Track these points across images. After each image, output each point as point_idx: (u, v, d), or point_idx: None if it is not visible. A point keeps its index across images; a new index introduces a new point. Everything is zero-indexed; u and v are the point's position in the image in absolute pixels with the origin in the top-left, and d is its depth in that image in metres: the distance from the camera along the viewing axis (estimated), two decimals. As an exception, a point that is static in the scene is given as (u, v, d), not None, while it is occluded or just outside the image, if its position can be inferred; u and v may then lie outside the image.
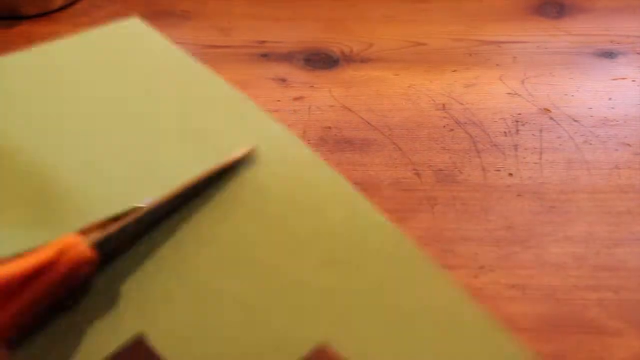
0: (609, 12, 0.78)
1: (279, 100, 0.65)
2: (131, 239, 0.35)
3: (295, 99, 0.65)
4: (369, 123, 0.62)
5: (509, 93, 0.65)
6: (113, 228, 0.34)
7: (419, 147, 0.59)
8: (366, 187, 0.54)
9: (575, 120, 0.61)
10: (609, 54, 0.71)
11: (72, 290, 0.33)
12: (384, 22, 0.78)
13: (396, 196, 0.53)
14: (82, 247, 0.32)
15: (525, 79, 0.67)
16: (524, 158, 0.57)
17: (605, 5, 0.79)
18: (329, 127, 0.61)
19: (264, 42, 0.75)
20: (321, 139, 0.60)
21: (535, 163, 0.56)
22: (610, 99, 0.64)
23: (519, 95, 0.65)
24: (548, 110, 0.63)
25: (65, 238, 0.32)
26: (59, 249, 0.32)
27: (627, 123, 0.61)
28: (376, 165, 0.57)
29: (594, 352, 0.41)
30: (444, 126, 0.61)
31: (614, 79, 0.67)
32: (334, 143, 0.59)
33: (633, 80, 0.67)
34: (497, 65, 0.70)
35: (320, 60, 0.72)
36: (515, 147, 0.58)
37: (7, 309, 0.31)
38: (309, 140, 0.60)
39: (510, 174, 0.55)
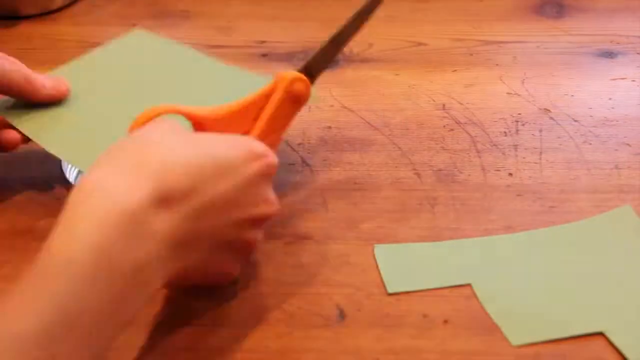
0: (609, 12, 0.78)
1: (279, 100, 0.65)
2: (328, 58, 0.50)
3: (295, 99, 0.65)
4: (369, 123, 0.62)
5: (509, 93, 0.65)
6: (312, 54, 0.49)
7: (419, 147, 0.59)
8: (366, 187, 0.54)
9: (575, 120, 0.61)
10: (609, 54, 0.71)
11: (297, 105, 0.48)
12: (384, 22, 0.78)
13: (396, 196, 0.53)
14: (291, 72, 0.47)
15: (525, 79, 0.67)
16: (524, 158, 0.57)
17: (605, 5, 0.79)
18: (329, 127, 0.61)
19: (264, 42, 0.75)
20: (321, 139, 0.60)
21: (535, 163, 0.56)
22: (610, 99, 0.64)
23: (519, 95, 0.65)
24: (548, 110, 0.63)
25: (278, 73, 0.48)
26: (276, 79, 0.47)
27: (627, 123, 0.61)
28: (376, 165, 0.57)
29: (594, 352, 0.41)
30: (444, 126, 0.61)
31: (614, 79, 0.67)
32: (334, 143, 0.59)
33: (633, 80, 0.67)
34: (497, 65, 0.70)
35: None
36: (515, 147, 0.58)
37: (258, 129, 0.46)
38: (309, 139, 0.60)
39: (510, 174, 0.55)
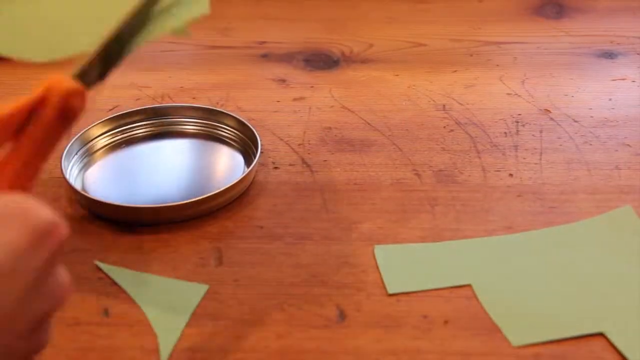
0: (609, 12, 0.78)
1: (279, 101, 0.65)
2: (107, 63, 0.37)
3: (295, 99, 0.65)
4: (369, 123, 0.62)
5: (509, 93, 0.65)
6: (85, 59, 0.36)
7: (419, 147, 0.59)
8: (366, 187, 0.54)
9: (576, 121, 0.61)
10: (609, 54, 0.71)
11: (70, 122, 0.35)
12: (384, 22, 0.78)
13: (396, 196, 0.53)
14: (66, 80, 0.34)
15: (525, 80, 0.67)
16: (524, 158, 0.57)
17: (605, 5, 0.79)
18: (329, 127, 0.61)
19: (264, 42, 0.75)
20: (321, 139, 0.60)
21: (536, 163, 0.56)
22: (610, 99, 0.64)
23: (519, 95, 0.65)
24: (548, 110, 0.63)
25: (49, 77, 0.34)
26: (46, 87, 0.34)
27: (627, 123, 0.61)
28: (376, 165, 0.57)
29: (594, 352, 0.41)
30: (444, 127, 0.61)
31: (614, 79, 0.67)
32: (334, 143, 0.59)
33: (633, 81, 0.67)
34: (497, 65, 0.70)
35: (320, 60, 0.72)
36: (516, 147, 0.58)
37: (18, 152, 0.33)
38: (309, 140, 0.60)
39: (511, 175, 0.55)
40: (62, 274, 0.31)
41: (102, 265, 0.48)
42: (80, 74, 0.36)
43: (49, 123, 0.34)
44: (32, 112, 0.34)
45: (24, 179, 0.34)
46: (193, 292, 0.46)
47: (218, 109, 0.60)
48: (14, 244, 0.28)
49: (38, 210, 0.29)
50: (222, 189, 0.51)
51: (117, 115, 0.60)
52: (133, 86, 0.67)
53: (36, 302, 0.29)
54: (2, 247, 0.27)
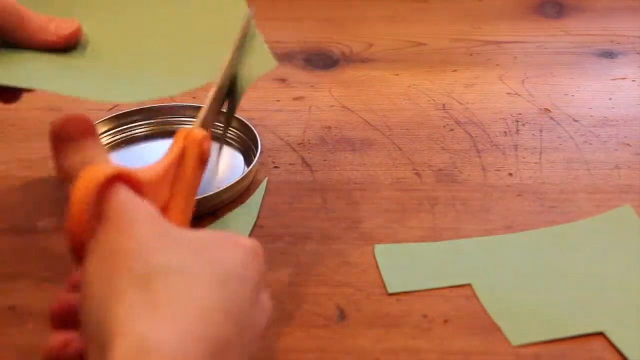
0: (609, 12, 0.78)
1: (279, 100, 0.65)
2: (218, 108, 0.45)
3: (296, 98, 0.65)
4: (369, 123, 0.62)
5: (509, 93, 0.65)
6: (205, 108, 0.43)
7: (419, 147, 0.59)
8: (366, 187, 0.54)
9: (576, 120, 0.61)
10: (609, 54, 0.71)
11: (205, 164, 0.41)
12: (383, 22, 0.78)
13: (396, 196, 0.53)
14: (196, 129, 0.41)
15: (525, 79, 0.67)
16: (524, 158, 0.57)
17: (605, 5, 0.79)
18: (329, 127, 0.61)
19: (264, 42, 0.75)
20: (321, 139, 0.60)
21: (536, 163, 0.56)
22: (610, 99, 0.64)
23: (519, 95, 0.65)
24: (548, 110, 0.63)
25: (182, 132, 0.40)
26: (183, 139, 0.40)
27: (627, 123, 0.61)
28: (376, 165, 0.57)
29: (594, 352, 0.41)
30: (444, 126, 0.61)
31: (614, 79, 0.67)
32: (334, 143, 0.59)
33: (633, 80, 0.67)
34: (498, 65, 0.70)
35: (320, 60, 0.72)
36: (516, 147, 0.58)
37: (178, 197, 0.39)
38: (309, 140, 0.60)
39: (511, 174, 0.55)
40: (266, 293, 0.36)
41: None
42: (202, 123, 0.42)
43: (194, 169, 0.40)
44: (179, 160, 0.40)
45: (185, 219, 0.40)
46: None
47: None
48: (238, 257, 0.34)
49: (244, 238, 0.35)
50: (222, 188, 0.52)
51: (116, 115, 0.60)
52: (133, 86, 0.67)
53: (259, 311, 0.35)
54: (232, 259, 0.33)
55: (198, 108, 0.61)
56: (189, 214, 0.40)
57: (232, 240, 0.35)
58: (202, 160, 0.41)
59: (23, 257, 0.49)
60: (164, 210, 0.38)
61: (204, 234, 0.35)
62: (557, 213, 0.51)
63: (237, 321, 0.32)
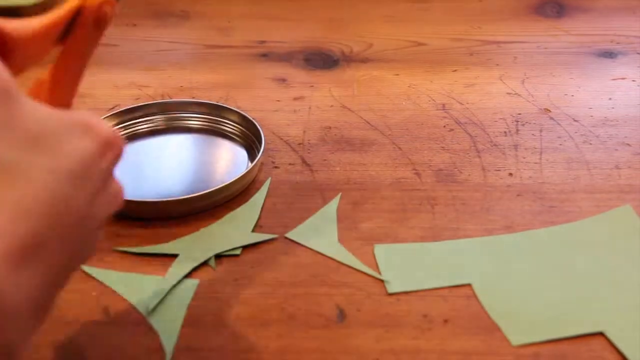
0: (609, 12, 0.78)
1: (279, 100, 0.65)
2: None
3: (295, 98, 0.65)
4: (369, 123, 0.62)
5: (509, 93, 0.65)
6: None
7: (419, 147, 0.59)
8: (366, 187, 0.54)
9: (576, 120, 0.61)
10: (609, 54, 0.71)
11: (103, 30, 0.37)
12: (384, 22, 0.78)
13: (396, 196, 0.53)
14: None
15: (525, 79, 0.67)
16: (524, 158, 0.57)
17: (605, 5, 0.79)
18: (329, 127, 0.61)
19: (264, 42, 0.75)
20: (321, 139, 0.60)
21: (536, 163, 0.56)
22: (610, 99, 0.64)
23: (519, 95, 0.65)
24: (548, 110, 0.63)
25: None
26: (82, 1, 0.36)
27: (627, 123, 0.61)
28: (376, 165, 0.57)
29: (594, 352, 0.41)
30: (444, 126, 0.61)
31: (614, 79, 0.67)
32: (334, 143, 0.59)
33: (633, 80, 0.67)
34: (497, 65, 0.70)
35: (320, 60, 0.72)
36: (516, 147, 0.58)
37: (58, 64, 0.36)
38: (309, 140, 0.60)
39: (511, 174, 0.55)
40: (117, 182, 0.35)
41: (92, 270, 0.47)
42: None
43: (87, 31, 0.36)
44: (70, 21, 0.36)
45: (66, 92, 0.36)
46: (185, 288, 0.46)
47: (222, 105, 0.61)
48: (86, 151, 0.31)
49: (101, 123, 0.32)
50: (227, 183, 0.51)
51: (120, 111, 0.60)
52: (133, 86, 0.67)
53: (103, 204, 0.33)
54: (76, 152, 0.30)
55: (200, 104, 0.61)
56: (74, 88, 0.36)
57: (85, 128, 0.31)
58: (98, 26, 0.37)
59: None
60: (44, 80, 0.35)
61: (56, 117, 0.31)
62: (557, 213, 0.51)
63: (62, 222, 0.29)
